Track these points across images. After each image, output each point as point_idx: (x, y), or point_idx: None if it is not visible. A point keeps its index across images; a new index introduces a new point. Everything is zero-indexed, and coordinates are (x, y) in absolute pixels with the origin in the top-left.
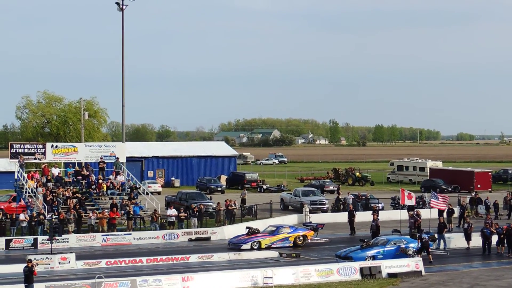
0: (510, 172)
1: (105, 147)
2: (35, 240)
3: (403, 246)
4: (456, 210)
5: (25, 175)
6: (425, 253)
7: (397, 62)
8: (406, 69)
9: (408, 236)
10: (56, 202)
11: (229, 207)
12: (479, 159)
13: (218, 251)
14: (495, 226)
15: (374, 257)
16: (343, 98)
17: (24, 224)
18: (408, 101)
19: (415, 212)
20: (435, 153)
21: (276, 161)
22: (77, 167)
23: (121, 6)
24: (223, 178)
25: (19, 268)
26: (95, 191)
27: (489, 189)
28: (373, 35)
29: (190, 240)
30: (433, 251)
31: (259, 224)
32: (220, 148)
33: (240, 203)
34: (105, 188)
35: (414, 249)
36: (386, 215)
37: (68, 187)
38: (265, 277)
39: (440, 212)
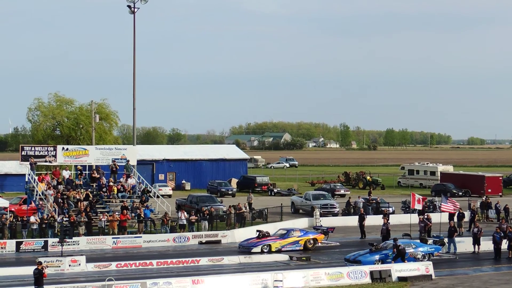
0: None
1: (116, 150)
2: (46, 242)
3: (412, 250)
4: (467, 214)
5: (36, 178)
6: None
7: (408, 66)
8: (417, 73)
9: (418, 240)
10: (67, 204)
11: (239, 211)
12: (490, 163)
13: (228, 254)
14: (509, 230)
15: (382, 261)
16: (354, 102)
17: (35, 227)
18: (419, 105)
19: (426, 216)
20: (446, 157)
21: (287, 165)
22: (79, 166)
23: (132, 9)
24: (234, 182)
25: (29, 270)
26: (106, 193)
27: (500, 194)
28: (385, 38)
29: (200, 243)
30: (443, 255)
31: (270, 228)
32: (231, 152)
33: (249, 207)
34: (115, 191)
35: (424, 253)
36: (397, 219)
37: (79, 189)
38: (275, 280)
39: (451, 216)
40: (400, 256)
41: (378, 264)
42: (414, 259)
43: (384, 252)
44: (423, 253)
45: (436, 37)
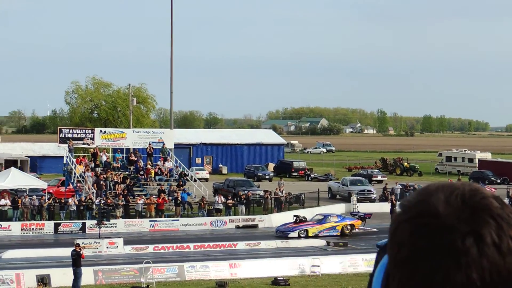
0: None
1: (153, 133)
2: (84, 224)
3: None
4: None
5: (74, 160)
6: None
7: (447, 52)
8: (455, 59)
9: None
10: (105, 187)
11: (276, 195)
12: None
13: (265, 238)
14: None
15: None
16: (392, 88)
17: (73, 208)
18: (457, 91)
19: None
20: (484, 144)
21: (324, 150)
22: (92, 149)
23: None
24: (271, 166)
25: (67, 251)
26: (143, 176)
27: None
28: (424, 24)
29: (237, 227)
30: None
31: (307, 213)
32: (268, 136)
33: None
34: (153, 174)
35: None
36: None
37: (117, 172)
38: (312, 266)
39: None
40: None
41: None
42: None
43: None
44: None
45: (476, 23)
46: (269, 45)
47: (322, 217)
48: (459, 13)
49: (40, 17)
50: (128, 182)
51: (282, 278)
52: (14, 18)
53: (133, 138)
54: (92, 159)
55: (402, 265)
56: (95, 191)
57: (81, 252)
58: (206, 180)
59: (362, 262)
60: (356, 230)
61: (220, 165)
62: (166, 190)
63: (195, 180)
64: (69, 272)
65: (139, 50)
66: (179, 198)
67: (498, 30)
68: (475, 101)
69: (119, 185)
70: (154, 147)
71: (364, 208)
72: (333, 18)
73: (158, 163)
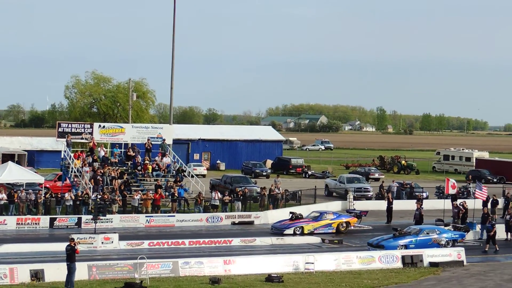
0: None
1: (152, 129)
2: (79, 219)
3: (436, 236)
4: (501, 201)
5: (72, 155)
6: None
7: (447, 51)
8: (455, 59)
9: (442, 226)
10: (102, 181)
11: (273, 192)
12: None
13: (260, 235)
14: None
15: (406, 246)
16: (391, 86)
17: (69, 203)
18: (456, 90)
19: (461, 203)
20: (482, 144)
21: (322, 147)
22: (90, 143)
23: None
24: (269, 163)
25: (62, 246)
26: (140, 172)
27: None
28: (424, 23)
29: (233, 223)
30: (467, 241)
31: (303, 210)
32: (266, 133)
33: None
34: (150, 169)
35: (448, 239)
36: (430, 204)
37: (114, 167)
38: (306, 263)
39: (485, 203)
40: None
41: (401, 249)
42: (438, 245)
43: (408, 237)
44: (447, 239)
45: (477, 23)
46: (269, 42)
47: (318, 214)
48: (459, 12)
49: (41, 12)
50: (125, 177)
51: (276, 275)
52: (15, 12)
53: (132, 133)
54: (90, 154)
55: None
56: (92, 186)
57: (75, 247)
58: (204, 176)
59: (357, 260)
60: (352, 227)
61: (218, 161)
62: (163, 186)
63: (192, 176)
64: (63, 267)
65: (141, 46)
66: (176, 194)
67: (497, 29)
68: (474, 100)
69: (116, 180)
70: (152, 142)
71: (360, 205)
72: (332, 16)
73: (156, 158)
